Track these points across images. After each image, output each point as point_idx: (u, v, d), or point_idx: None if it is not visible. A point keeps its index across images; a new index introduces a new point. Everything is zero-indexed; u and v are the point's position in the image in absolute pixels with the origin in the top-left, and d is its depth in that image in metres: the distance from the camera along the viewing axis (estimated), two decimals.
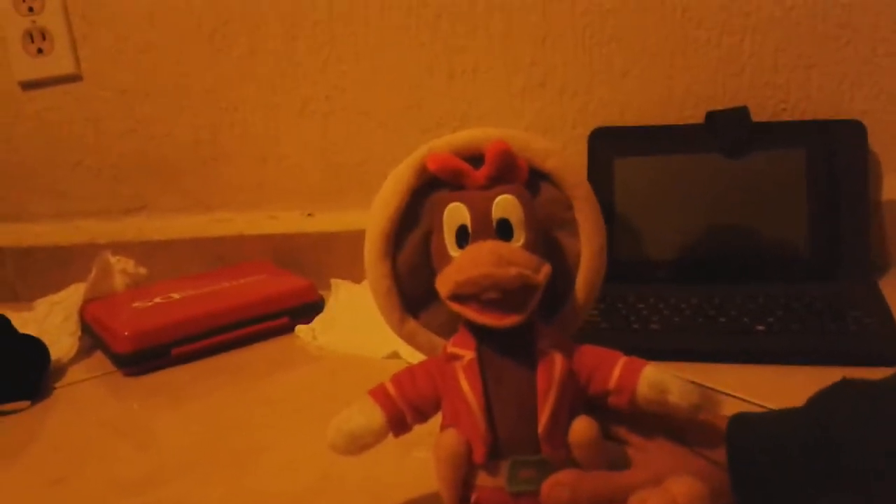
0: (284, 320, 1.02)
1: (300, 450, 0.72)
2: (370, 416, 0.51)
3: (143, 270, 1.14)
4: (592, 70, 1.04)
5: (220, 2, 1.15)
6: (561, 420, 0.49)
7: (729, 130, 0.96)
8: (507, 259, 0.49)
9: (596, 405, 0.52)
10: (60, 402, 0.91)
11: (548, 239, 0.56)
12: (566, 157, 0.57)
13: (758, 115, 0.98)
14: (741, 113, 0.97)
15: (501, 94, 1.09)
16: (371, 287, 0.58)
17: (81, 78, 1.25)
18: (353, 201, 1.19)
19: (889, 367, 0.72)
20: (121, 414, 0.88)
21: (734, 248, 0.94)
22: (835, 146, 0.93)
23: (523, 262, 0.49)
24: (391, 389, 0.53)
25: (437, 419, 0.53)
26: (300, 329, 1.01)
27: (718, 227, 0.95)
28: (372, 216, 0.57)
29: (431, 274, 0.54)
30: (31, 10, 1.22)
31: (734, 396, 0.71)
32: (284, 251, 1.20)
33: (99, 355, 1.02)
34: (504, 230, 0.51)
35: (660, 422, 0.52)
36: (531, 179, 0.55)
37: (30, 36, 1.23)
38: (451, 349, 0.52)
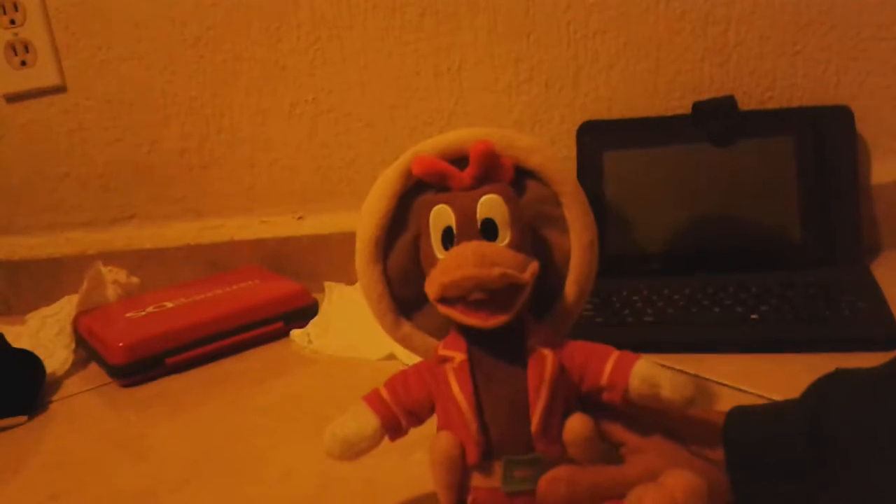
0: (279, 325, 1.02)
1: (299, 456, 0.72)
2: (364, 421, 0.52)
3: (135, 280, 1.13)
4: (578, 64, 1.04)
5: (204, 8, 1.15)
6: (554, 418, 0.49)
7: (716, 120, 0.96)
8: (491, 259, 0.49)
9: (590, 402, 0.52)
10: (57, 416, 0.90)
11: (537, 237, 0.56)
12: (551, 154, 0.57)
13: (745, 104, 0.98)
14: (728, 102, 0.97)
15: (488, 91, 1.09)
16: (364, 292, 0.58)
17: (66, 89, 1.24)
18: (343, 203, 1.19)
19: (884, 351, 0.72)
20: (118, 426, 0.88)
21: (726, 237, 0.94)
22: (823, 132, 0.93)
23: (508, 262, 0.49)
24: (385, 394, 0.53)
25: (433, 421, 0.53)
26: (295, 333, 1.01)
27: (709, 217, 0.95)
28: (361, 222, 0.57)
29: (423, 277, 0.54)
30: (12, 22, 1.22)
31: (730, 387, 0.71)
32: (276, 255, 1.20)
33: (94, 367, 1.01)
34: (489, 230, 0.51)
35: (656, 421, 0.52)
36: (517, 178, 0.55)
37: (12, 48, 1.23)
38: (441, 351, 0.52)
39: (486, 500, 0.50)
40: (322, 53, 1.13)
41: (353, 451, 0.52)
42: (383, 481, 0.64)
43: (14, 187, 1.31)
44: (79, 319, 1.06)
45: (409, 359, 0.85)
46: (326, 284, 1.09)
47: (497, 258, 0.49)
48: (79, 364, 1.03)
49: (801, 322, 0.79)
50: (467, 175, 0.53)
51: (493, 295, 0.49)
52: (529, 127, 1.08)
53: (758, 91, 1.00)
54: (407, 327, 0.58)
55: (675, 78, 1.02)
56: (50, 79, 1.23)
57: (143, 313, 1.02)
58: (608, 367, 0.51)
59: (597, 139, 1.00)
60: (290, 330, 1.01)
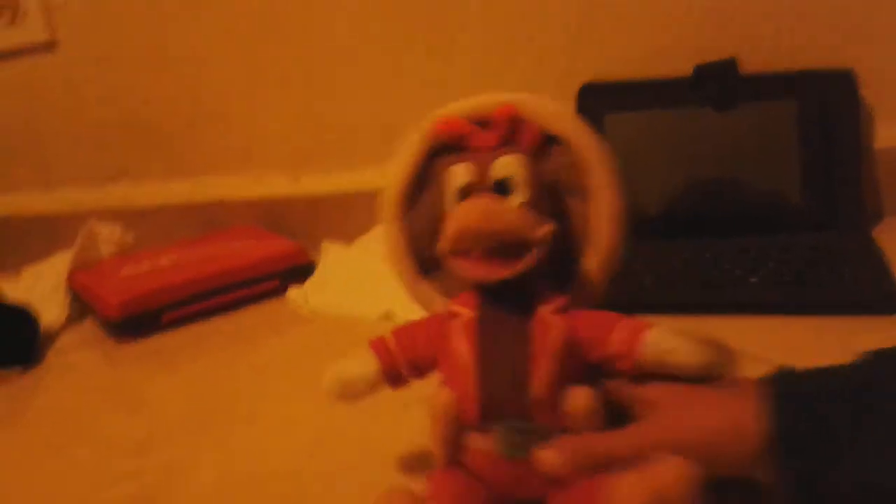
0: (275, 283, 1.02)
1: (294, 412, 0.72)
2: (365, 364, 0.53)
3: (129, 237, 1.13)
4: (578, 26, 1.03)
5: None
6: (555, 388, 0.48)
7: (718, 83, 0.95)
8: (496, 214, 0.48)
9: (599, 372, 0.51)
10: (52, 370, 0.90)
11: (560, 205, 0.55)
12: (579, 121, 0.55)
13: (747, 67, 0.97)
14: (729, 65, 0.96)
15: (487, 52, 1.07)
16: (387, 247, 0.59)
17: (57, 45, 1.22)
18: (339, 163, 1.18)
19: (883, 316, 0.73)
20: (113, 380, 0.87)
21: (726, 201, 0.94)
22: (826, 96, 0.93)
23: (515, 218, 0.49)
24: (390, 342, 0.54)
25: (434, 380, 0.53)
26: (291, 292, 1.00)
27: (710, 181, 0.94)
28: (388, 180, 0.58)
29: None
30: None
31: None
32: (272, 215, 1.19)
33: (89, 323, 1.01)
34: (502, 189, 0.51)
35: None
36: (543, 144, 0.54)
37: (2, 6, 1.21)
38: (451, 307, 0.52)
39: (480, 462, 0.49)
40: (320, 12, 1.11)
41: (351, 391, 0.53)
42: (379, 435, 0.64)
43: (6, 145, 1.30)
44: (74, 276, 1.05)
45: (409, 315, 0.85)
46: (323, 244, 1.08)
47: (503, 213, 0.49)
48: (74, 320, 1.02)
49: (800, 285, 0.78)
50: (489, 137, 0.53)
51: (500, 250, 0.48)
52: (529, 89, 1.06)
53: (760, 54, 0.99)
54: (425, 286, 0.58)
55: (677, 40, 1.00)
56: (40, 35, 1.21)
57: (139, 270, 1.02)
58: (616, 335, 0.50)
59: (598, 102, 0.99)
60: (287, 288, 1.01)
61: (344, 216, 1.14)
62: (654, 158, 0.96)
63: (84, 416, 0.78)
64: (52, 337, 0.98)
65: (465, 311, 0.50)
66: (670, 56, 1.01)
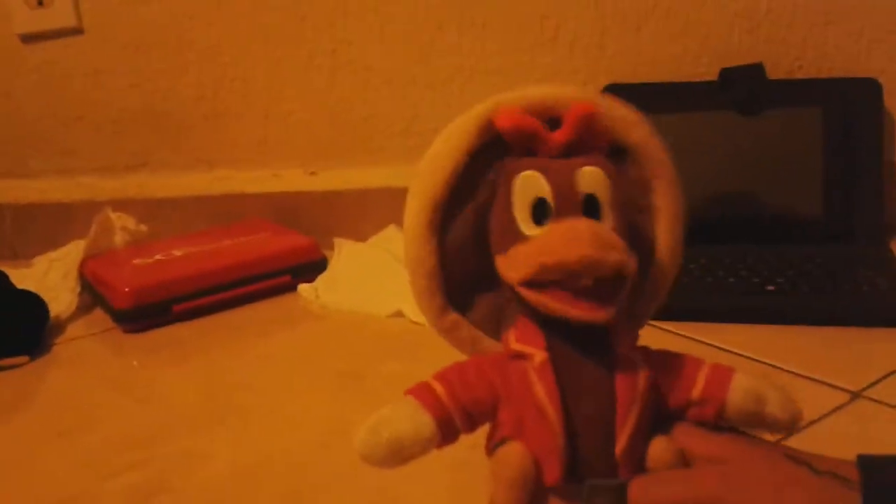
0: (286, 279, 1.01)
1: (304, 407, 0.72)
2: (418, 422, 0.42)
3: (143, 227, 1.12)
4: (605, 24, 1.02)
5: None
6: (640, 439, 0.42)
7: (743, 88, 0.94)
8: (609, 241, 0.40)
9: (668, 417, 0.44)
10: (60, 358, 0.90)
11: (630, 224, 0.46)
12: (649, 129, 0.48)
13: (773, 73, 0.96)
14: (756, 70, 0.94)
15: (512, 50, 1.06)
16: (411, 267, 0.47)
17: (83, 31, 1.22)
18: (357, 159, 1.17)
19: None
20: (121, 370, 0.87)
21: (746, 207, 0.92)
22: (850, 104, 0.91)
23: (623, 252, 0.41)
24: (439, 389, 0.43)
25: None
26: (303, 288, 1.00)
27: (731, 186, 0.93)
28: (421, 180, 0.46)
29: (477, 256, 0.46)
30: None
31: (745, 356, 0.70)
32: (287, 209, 1.18)
33: (99, 312, 1.01)
34: (591, 208, 0.43)
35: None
36: (614, 157, 0.46)
37: None
38: (515, 346, 0.43)
39: None
40: (343, 3, 1.11)
41: (402, 456, 0.41)
42: None
43: (26, 130, 1.30)
44: (85, 264, 1.05)
45: (418, 316, 0.84)
46: (336, 240, 1.08)
47: (613, 241, 0.41)
48: (84, 309, 1.02)
49: (818, 296, 0.77)
50: (559, 139, 0.44)
51: (598, 284, 0.40)
52: None
53: (787, 60, 0.97)
54: (454, 315, 0.47)
55: (704, 43, 0.99)
56: (67, 20, 1.21)
57: (151, 260, 1.01)
58: (701, 378, 0.43)
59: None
60: (298, 284, 1.00)
61: (359, 213, 1.13)
62: (676, 161, 0.94)
63: (91, 406, 0.77)
64: (61, 325, 0.97)
65: (537, 351, 0.42)
66: (696, 59, 1.00)
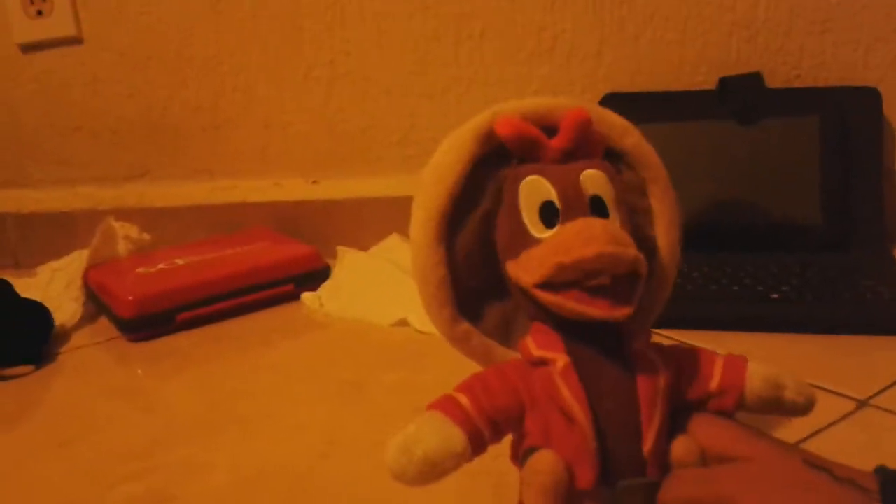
0: (289, 287, 1.01)
1: (307, 416, 0.72)
2: (447, 436, 0.41)
3: (146, 236, 1.12)
4: (603, 34, 1.02)
5: None
6: (664, 436, 0.42)
7: (742, 96, 0.94)
8: (622, 238, 0.41)
9: (686, 409, 0.45)
10: (64, 368, 0.90)
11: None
12: (640, 134, 0.50)
13: (771, 81, 0.96)
14: (754, 79, 0.95)
15: (509, 61, 1.07)
16: (420, 277, 0.47)
17: (82, 40, 1.23)
18: (357, 168, 1.18)
19: None
20: (125, 379, 0.87)
21: (746, 216, 0.93)
22: (849, 113, 0.92)
23: (635, 247, 0.42)
24: (464, 401, 0.42)
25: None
26: (306, 296, 1.00)
27: (730, 195, 0.93)
28: (425, 191, 0.47)
29: (484, 265, 0.47)
30: None
31: None
32: (288, 219, 1.19)
33: (103, 321, 1.01)
34: (598, 209, 0.44)
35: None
36: (605, 159, 0.47)
37: None
38: (536, 352, 0.43)
39: None
40: (341, 15, 1.11)
41: (436, 472, 0.41)
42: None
43: (26, 139, 1.30)
44: (89, 273, 1.05)
45: (423, 325, 0.85)
46: (339, 249, 1.08)
47: (626, 238, 0.41)
48: (87, 318, 1.02)
49: (821, 303, 0.78)
50: (557, 146, 0.45)
51: (615, 282, 0.41)
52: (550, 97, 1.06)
53: (785, 69, 0.98)
54: (466, 325, 0.47)
55: (702, 52, 1.00)
56: (66, 29, 1.22)
57: (154, 269, 1.02)
58: (718, 370, 0.44)
59: (619, 112, 0.98)
60: (301, 293, 1.01)
61: (360, 222, 1.14)
62: (674, 171, 0.95)
63: (95, 415, 0.77)
64: (65, 335, 0.97)
65: (559, 355, 0.42)
66: (694, 68, 1.01)
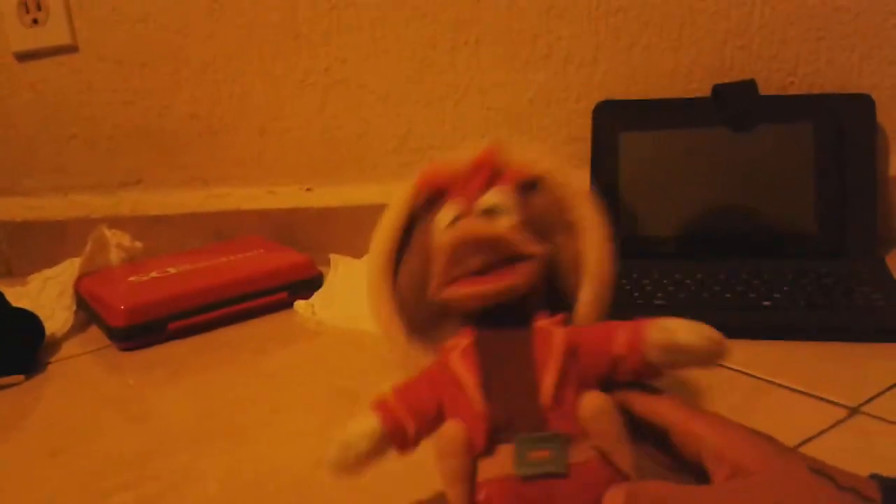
0: (283, 296, 1.01)
1: (300, 425, 0.71)
2: (364, 421, 0.47)
3: (139, 245, 1.12)
4: (598, 41, 1.02)
5: None
6: (566, 392, 0.44)
7: (736, 104, 0.94)
8: (489, 225, 0.49)
9: (614, 383, 0.47)
10: (55, 377, 0.89)
11: (553, 243, 0.54)
12: (555, 160, 0.56)
13: (765, 89, 0.96)
14: (748, 86, 0.95)
15: (505, 68, 1.07)
16: (373, 311, 0.57)
17: (77, 49, 1.23)
18: (352, 176, 1.18)
19: None
20: (117, 388, 0.87)
21: (740, 223, 0.93)
22: (843, 120, 0.92)
23: (508, 229, 0.49)
24: (388, 397, 0.49)
25: None
26: (299, 304, 1.00)
27: (724, 202, 0.93)
28: (374, 239, 0.57)
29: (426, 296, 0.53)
30: None
31: (741, 372, 0.70)
32: (283, 226, 1.18)
33: (94, 330, 1.00)
34: (492, 216, 0.51)
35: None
36: (524, 188, 0.55)
37: (24, 6, 1.21)
38: (448, 344, 0.49)
39: (500, 492, 0.43)
40: (338, 22, 1.11)
41: (352, 454, 0.47)
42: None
43: (21, 147, 1.30)
44: (81, 281, 1.04)
45: None
46: (332, 257, 1.08)
47: (496, 225, 0.49)
48: (79, 327, 1.02)
49: (814, 310, 0.77)
50: (474, 180, 0.53)
51: (497, 264, 0.48)
52: (545, 105, 1.06)
53: (779, 76, 0.98)
54: (417, 353, 0.55)
55: (696, 59, 1.00)
56: (61, 38, 1.22)
57: (147, 278, 1.01)
58: (622, 333, 0.47)
59: (613, 119, 0.99)
60: (295, 301, 1.00)
61: (355, 229, 1.13)
62: (669, 178, 0.95)
63: (86, 425, 0.77)
64: (56, 343, 0.97)
65: (462, 340, 0.48)
66: (689, 75, 1.01)
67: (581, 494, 0.42)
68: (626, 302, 0.83)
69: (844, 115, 0.92)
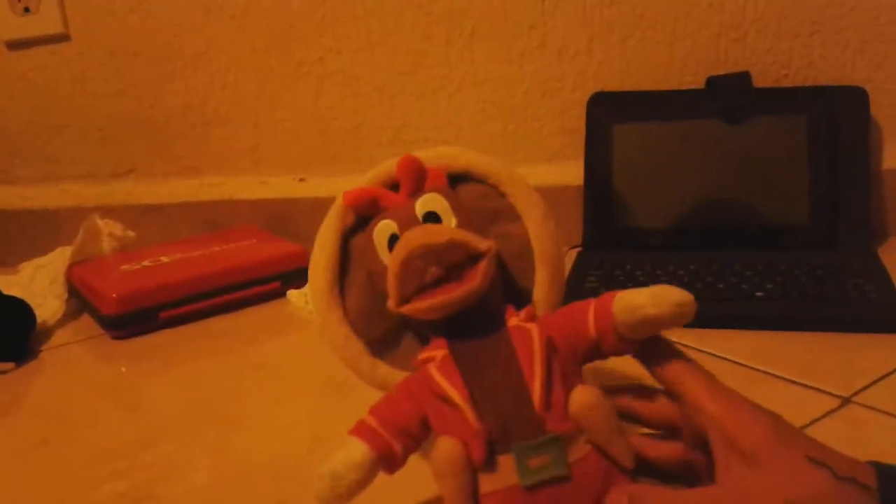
0: (275, 285, 1.01)
1: (291, 414, 0.71)
2: (350, 449, 0.45)
3: (131, 234, 1.12)
4: (592, 33, 1.02)
5: None
6: (556, 391, 0.44)
7: (730, 96, 0.94)
8: (436, 229, 0.48)
9: (593, 358, 0.47)
10: (46, 365, 0.89)
11: (493, 233, 0.53)
12: (476, 153, 0.56)
13: (759, 81, 0.96)
14: (742, 78, 0.95)
15: (499, 60, 1.07)
16: (329, 341, 0.55)
17: (69, 38, 1.22)
18: (346, 167, 1.17)
19: (887, 334, 0.72)
20: (108, 377, 0.86)
21: (733, 215, 0.93)
22: (836, 113, 0.92)
23: (456, 231, 0.48)
24: (370, 419, 0.47)
25: None
26: (291, 294, 0.99)
27: (718, 194, 0.93)
28: (311, 274, 0.56)
29: (381, 313, 0.52)
30: None
31: (734, 362, 0.70)
32: (276, 217, 1.18)
33: (86, 319, 1.00)
34: (431, 221, 0.50)
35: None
36: (453, 184, 0.55)
37: None
38: (422, 357, 0.48)
39: (507, 503, 0.42)
40: (332, 12, 1.11)
41: (343, 485, 0.45)
42: None
43: (12, 137, 1.30)
44: (72, 270, 1.04)
45: None
46: None
47: (443, 229, 0.48)
48: (70, 315, 1.01)
49: (807, 301, 0.77)
50: (401, 192, 0.53)
51: (452, 270, 0.47)
52: (539, 96, 1.06)
53: (773, 69, 0.98)
54: (383, 368, 0.54)
55: (691, 52, 1.00)
56: (53, 26, 1.21)
57: (139, 266, 1.01)
58: (591, 315, 0.46)
59: (607, 111, 0.99)
60: (287, 290, 1.00)
61: None
62: (662, 169, 0.95)
63: (77, 413, 0.77)
64: (47, 332, 0.97)
65: (438, 352, 0.47)
66: (683, 67, 1.01)
67: (584, 490, 0.42)
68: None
69: (838, 108, 0.92)
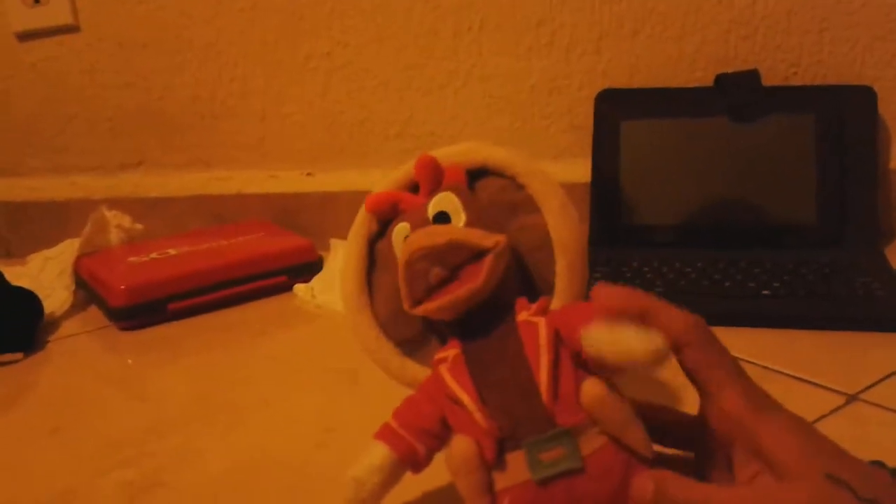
0: (283, 279, 1.01)
1: (298, 406, 0.72)
2: (371, 454, 0.47)
3: (139, 226, 1.12)
4: (601, 30, 1.02)
5: None
6: (566, 384, 0.43)
7: (738, 94, 0.95)
8: (440, 230, 0.48)
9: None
10: (54, 355, 0.89)
11: (514, 226, 0.53)
12: (495, 147, 0.56)
13: (768, 78, 0.96)
14: (751, 76, 0.95)
15: (507, 54, 1.07)
16: (360, 342, 0.56)
17: (79, 29, 1.22)
18: (353, 161, 1.18)
19: (894, 333, 0.72)
20: (116, 368, 0.87)
21: (740, 212, 0.93)
22: (845, 112, 0.92)
23: (459, 231, 0.48)
24: (392, 422, 0.48)
25: None
26: (298, 288, 1.00)
27: (725, 192, 0.93)
28: (341, 276, 0.57)
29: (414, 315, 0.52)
30: None
31: (740, 360, 0.70)
32: (284, 211, 1.18)
33: (94, 310, 1.01)
34: (441, 221, 0.50)
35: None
36: (471, 180, 0.54)
37: None
38: (437, 357, 0.48)
39: (522, 497, 0.42)
40: (340, 6, 1.11)
41: (366, 489, 0.46)
42: None
43: (21, 128, 1.30)
44: (80, 262, 1.04)
45: None
46: (333, 241, 1.08)
47: (447, 229, 0.48)
48: (78, 306, 1.02)
49: (814, 299, 0.78)
50: (421, 193, 0.53)
51: (456, 269, 0.47)
52: (547, 92, 1.06)
53: (782, 67, 0.98)
54: (413, 367, 0.54)
55: (699, 49, 1.00)
56: (63, 18, 1.21)
57: (147, 258, 1.01)
58: (578, 327, 0.44)
59: (615, 107, 0.99)
60: (294, 284, 1.01)
61: (355, 214, 1.13)
62: (670, 167, 0.95)
63: (85, 403, 0.77)
64: (55, 323, 0.97)
65: (450, 352, 0.47)
66: (692, 65, 1.01)
67: (601, 483, 0.41)
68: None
69: (846, 107, 0.92)
